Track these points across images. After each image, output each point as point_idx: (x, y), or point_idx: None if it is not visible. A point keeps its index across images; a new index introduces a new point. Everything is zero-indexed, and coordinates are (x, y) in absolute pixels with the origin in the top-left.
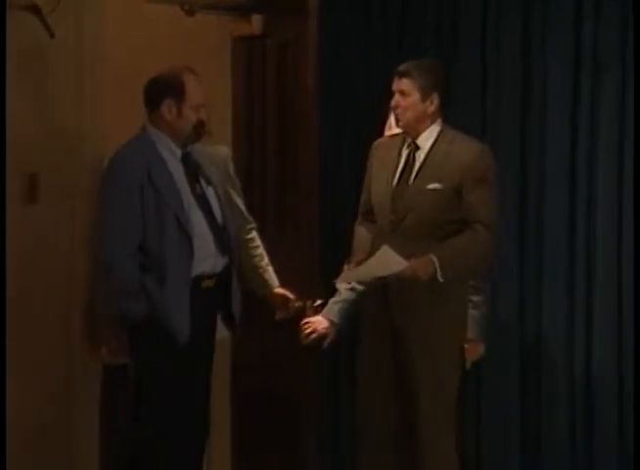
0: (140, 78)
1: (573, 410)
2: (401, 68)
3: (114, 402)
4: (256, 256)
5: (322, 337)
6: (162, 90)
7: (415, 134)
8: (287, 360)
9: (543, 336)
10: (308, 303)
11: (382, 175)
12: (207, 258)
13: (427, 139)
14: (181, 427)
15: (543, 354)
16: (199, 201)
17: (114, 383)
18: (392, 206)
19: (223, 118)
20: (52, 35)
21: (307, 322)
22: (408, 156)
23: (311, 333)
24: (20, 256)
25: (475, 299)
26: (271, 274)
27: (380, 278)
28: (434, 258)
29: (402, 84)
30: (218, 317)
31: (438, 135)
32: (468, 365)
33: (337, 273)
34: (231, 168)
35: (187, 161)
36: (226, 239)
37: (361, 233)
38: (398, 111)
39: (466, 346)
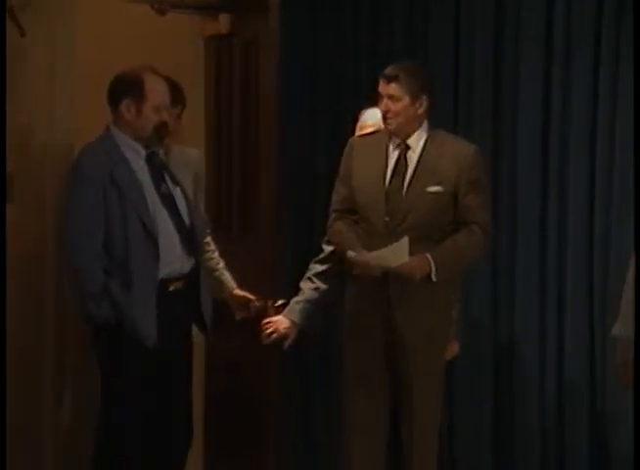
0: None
1: (545, 410)
2: (389, 71)
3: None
4: (213, 258)
5: (283, 337)
6: (122, 89)
7: (405, 135)
8: (251, 362)
9: (516, 337)
10: (269, 302)
11: (369, 175)
12: (175, 261)
13: (418, 140)
14: (159, 430)
15: (516, 354)
16: (164, 201)
17: None
18: (387, 207)
19: (197, 119)
20: (23, 34)
21: (268, 322)
22: (399, 156)
23: (272, 333)
24: None
25: (453, 299)
26: (228, 277)
27: (384, 269)
28: (430, 258)
29: (391, 89)
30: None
31: (428, 136)
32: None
33: (300, 273)
34: (202, 171)
35: (152, 160)
36: (193, 240)
37: (342, 227)
38: (389, 115)
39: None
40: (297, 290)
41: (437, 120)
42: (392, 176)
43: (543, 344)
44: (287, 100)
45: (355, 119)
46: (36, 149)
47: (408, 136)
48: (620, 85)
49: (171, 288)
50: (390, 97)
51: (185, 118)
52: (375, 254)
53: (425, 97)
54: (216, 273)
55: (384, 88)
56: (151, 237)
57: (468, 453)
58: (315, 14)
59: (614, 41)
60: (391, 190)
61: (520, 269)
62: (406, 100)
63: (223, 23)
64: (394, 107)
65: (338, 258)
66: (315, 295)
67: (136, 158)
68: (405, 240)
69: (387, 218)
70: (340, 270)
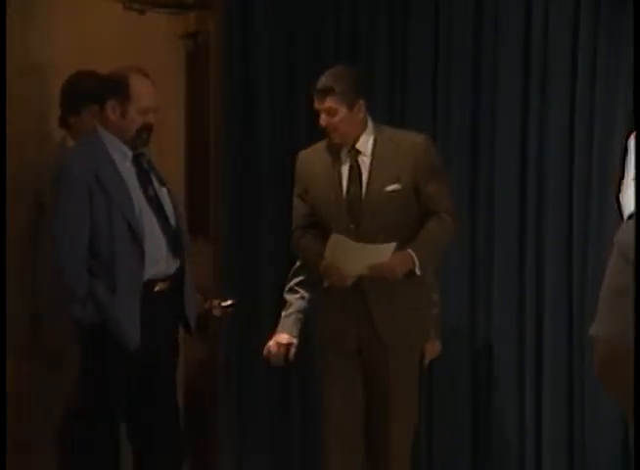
0: None
1: (523, 410)
2: (320, 86)
3: None
4: None
5: (286, 352)
6: (108, 90)
7: (352, 141)
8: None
9: (494, 337)
10: (215, 302)
11: (325, 187)
12: (159, 261)
13: (366, 142)
14: (145, 435)
15: (494, 354)
16: (151, 202)
17: None
18: (350, 215)
19: (178, 120)
20: None
21: (269, 345)
22: (351, 163)
23: (276, 353)
24: None
25: (434, 296)
26: None
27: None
28: (412, 253)
29: (327, 103)
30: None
31: (376, 136)
32: (426, 362)
33: (248, 274)
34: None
35: (139, 162)
36: (178, 241)
37: (306, 243)
38: (330, 129)
39: (428, 342)
40: (248, 293)
41: (416, 121)
42: (349, 184)
43: (521, 344)
44: (233, 101)
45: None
46: (9, 150)
47: (356, 141)
48: (598, 80)
49: (156, 288)
50: (327, 111)
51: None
52: (361, 244)
53: (362, 100)
54: None
55: (319, 104)
56: (136, 238)
57: (446, 454)
58: (294, 11)
59: (591, 40)
60: (350, 198)
61: (497, 269)
62: (343, 110)
63: (191, 21)
64: (333, 120)
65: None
66: (303, 303)
67: (122, 159)
68: (391, 245)
69: (352, 226)
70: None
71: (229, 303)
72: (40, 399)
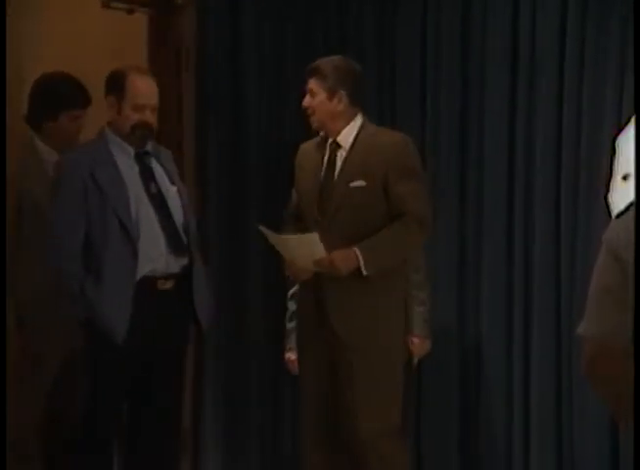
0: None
1: (511, 410)
2: (309, 66)
3: None
4: None
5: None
6: (107, 87)
7: (335, 133)
8: None
9: (482, 335)
10: None
11: (306, 177)
12: (157, 259)
13: (347, 136)
14: (143, 435)
15: (483, 353)
16: (153, 200)
17: None
18: (318, 208)
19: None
20: None
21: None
22: (330, 155)
23: (294, 369)
24: None
25: (421, 295)
26: None
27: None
28: (358, 251)
29: (310, 83)
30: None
31: (359, 132)
32: (415, 361)
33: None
34: None
35: (142, 159)
36: (183, 240)
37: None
38: (309, 111)
39: (415, 341)
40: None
41: (405, 118)
42: (324, 177)
43: (510, 342)
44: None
45: None
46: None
47: (338, 133)
48: (585, 81)
49: (160, 287)
50: (310, 92)
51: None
52: (284, 237)
53: (343, 92)
54: None
55: (306, 84)
56: (128, 235)
57: (435, 453)
58: (282, 9)
59: (578, 46)
60: (322, 189)
61: (486, 268)
62: (322, 95)
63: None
64: (312, 102)
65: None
66: None
67: (124, 157)
68: (315, 236)
69: (319, 219)
70: None
71: None
72: (22, 400)
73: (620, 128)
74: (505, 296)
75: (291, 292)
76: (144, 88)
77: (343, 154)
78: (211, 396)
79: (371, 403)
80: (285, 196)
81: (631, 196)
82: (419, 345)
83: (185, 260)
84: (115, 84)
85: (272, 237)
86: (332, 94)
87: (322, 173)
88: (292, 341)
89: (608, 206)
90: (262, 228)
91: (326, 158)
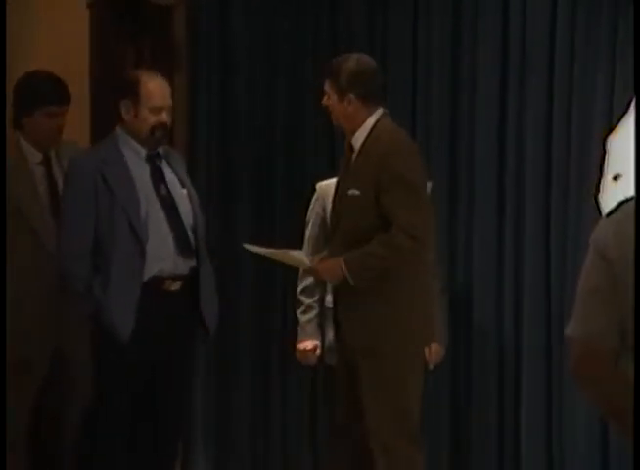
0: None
1: (503, 409)
2: (324, 66)
3: None
4: None
5: (314, 353)
6: (121, 90)
7: (351, 133)
8: None
9: (474, 335)
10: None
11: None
12: (165, 259)
13: (358, 139)
14: (147, 436)
15: (473, 353)
16: (163, 202)
17: None
18: (331, 215)
19: None
20: None
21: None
22: (346, 159)
23: (306, 360)
24: None
25: (441, 301)
26: None
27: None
28: (342, 262)
29: (325, 83)
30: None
31: (368, 134)
32: (430, 367)
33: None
34: None
35: (153, 161)
36: (192, 242)
37: None
38: (328, 110)
39: (432, 348)
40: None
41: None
42: (339, 182)
43: (501, 343)
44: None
45: None
46: None
47: (353, 134)
48: (575, 80)
49: (167, 287)
50: (325, 92)
51: None
52: (270, 251)
53: (352, 95)
54: None
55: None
56: (136, 235)
57: (427, 453)
58: (274, 9)
59: (568, 42)
60: (334, 196)
61: (476, 270)
62: (334, 97)
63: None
64: (328, 102)
65: None
66: (320, 307)
67: (135, 157)
68: (298, 252)
69: (331, 228)
70: None
71: None
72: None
73: (611, 129)
74: (495, 297)
75: (302, 286)
76: (159, 90)
77: (354, 158)
78: (202, 395)
79: (377, 404)
80: (275, 195)
81: (621, 196)
82: (435, 352)
83: (193, 263)
84: (130, 88)
85: (260, 250)
86: (341, 96)
87: (338, 181)
88: (307, 332)
89: (598, 206)
90: (248, 246)
91: (346, 162)
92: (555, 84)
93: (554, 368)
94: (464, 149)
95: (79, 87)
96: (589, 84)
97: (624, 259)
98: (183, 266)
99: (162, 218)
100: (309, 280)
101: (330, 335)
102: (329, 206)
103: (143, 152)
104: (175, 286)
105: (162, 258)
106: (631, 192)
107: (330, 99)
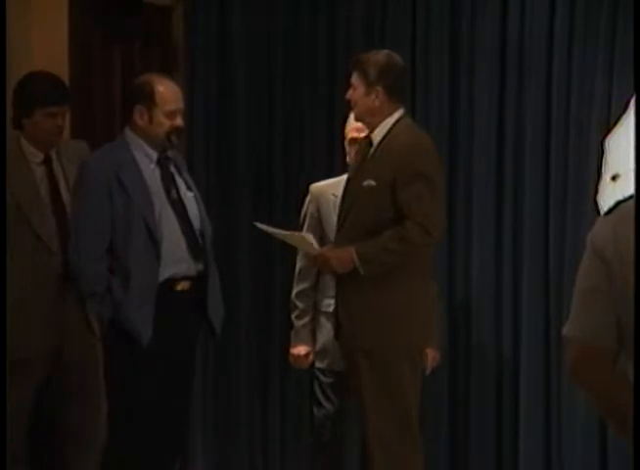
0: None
1: (501, 410)
2: (352, 59)
3: None
4: None
5: (307, 359)
6: (134, 96)
7: (371, 129)
8: None
9: (472, 342)
10: None
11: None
12: (179, 262)
13: (378, 135)
14: (154, 436)
15: (472, 356)
16: (174, 205)
17: None
18: (340, 206)
19: None
20: None
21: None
22: (363, 152)
23: (298, 365)
24: None
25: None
26: None
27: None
28: (353, 251)
29: (352, 77)
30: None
31: (389, 130)
32: (427, 371)
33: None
34: None
35: (164, 164)
36: (200, 244)
37: None
38: (352, 104)
39: (429, 352)
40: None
41: None
42: (354, 174)
43: (499, 345)
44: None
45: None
46: None
47: (373, 129)
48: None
49: (178, 288)
50: (352, 85)
51: None
52: (278, 232)
53: (380, 89)
54: None
55: (351, 77)
56: (153, 238)
57: (426, 454)
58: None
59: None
60: (346, 187)
61: (475, 269)
62: (361, 89)
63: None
64: (353, 95)
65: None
66: (314, 311)
67: (147, 161)
68: (307, 235)
69: (339, 219)
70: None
71: None
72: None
73: (609, 129)
74: (494, 299)
75: (297, 290)
76: (171, 94)
77: (371, 152)
78: (203, 395)
79: (377, 404)
80: (274, 196)
81: (620, 196)
82: (431, 357)
83: (201, 265)
84: (143, 93)
85: (271, 231)
86: (370, 89)
87: (353, 173)
88: (301, 338)
89: (597, 206)
90: (260, 225)
91: (362, 156)
92: (553, 84)
93: (553, 368)
94: (462, 149)
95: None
96: (588, 84)
97: (622, 259)
98: (193, 269)
99: (175, 221)
100: (304, 284)
101: (322, 339)
102: (324, 207)
103: (154, 155)
104: (185, 286)
105: (176, 260)
106: (630, 192)
107: (356, 92)
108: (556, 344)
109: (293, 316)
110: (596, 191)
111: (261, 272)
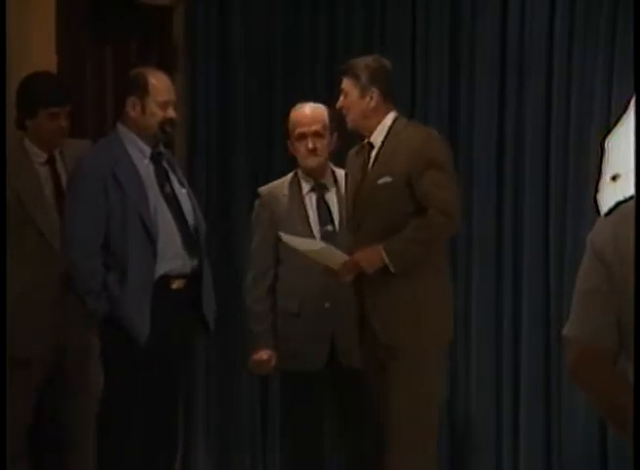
0: None
1: (500, 413)
2: (341, 66)
3: None
4: None
5: (269, 364)
6: (127, 88)
7: (368, 132)
8: None
9: (472, 337)
10: None
11: (350, 182)
12: (175, 258)
13: (379, 135)
14: (147, 434)
15: (472, 357)
16: (168, 201)
17: None
18: (354, 211)
19: None
20: None
21: (251, 366)
22: (365, 156)
23: (261, 370)
24: None
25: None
26: None
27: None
28: (382, 249)
29: (343, 83)
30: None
31: (390, 129)
32: None
33: None
34: None
35: (157, 160)
36: (195, 241)
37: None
38: (343, 111)
39: None
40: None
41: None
42: (360, 178)
43: (499, 344)
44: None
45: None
46: None
47: (371, 132)
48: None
49: (173, 286)
50: (343, 92)
51: None
52: (303, 250)
53: (375, 90)
54: None
55: (340, 85)
56: (149, 235)
57: None
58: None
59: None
60: (357, 191)
61: (475, 268)
62: (355, 94)
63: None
64: (345, 102)
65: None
66: (272, 315)
67: (140, 156)
68: (329, 247)
69: (355, 223)
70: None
71: None
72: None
73: (609, 129)
74: (494, 298)
75: (254, 295)
76: (164, 85)
77: (375, 153)
78: (203, 395)
79: (409, 406)
80: None
81: (620, 196)
82: None
83: (195, 262)
84: (137, 84)
85: (296, 243)
86: (364, 92)
87: (359, 174)
88: (263, 342)
89: (597, 206)
90: (284, 236)
91: (361, 160)
92: (553, 84)
93: (553, 369)
94: (462, 148)
95: None
96: (588, 84)
97: (622, 260)
98: (188, 265)
99: (170, 217)
100: (261, 289)
101: (293, 341)
102: (279, 208)
103: (148, 151)
104: (180, 284)
105: (172, 256)
106: (630, 192)
107: (348, 98)
108: (556, 344)
109: (251, 322)
110: (596, 191)
111: None
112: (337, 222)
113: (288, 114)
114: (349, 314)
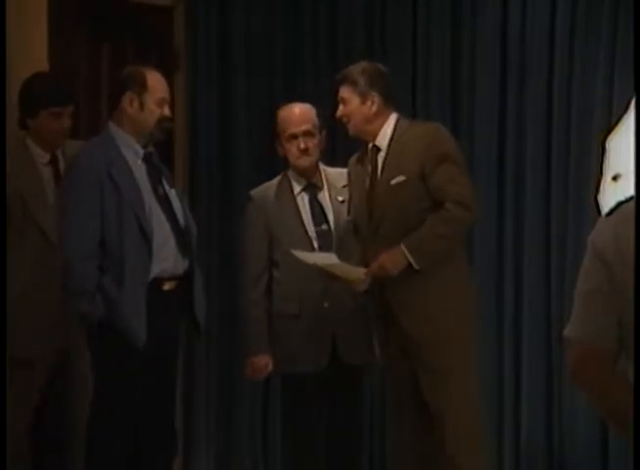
0: None
1: (503, 417)
2: (338, 76)
3: None
4: None
5: (266, 369)
6: (123, 84)
7: (373, 136)
8: None
9: None
10: None
11: (355, 188)
12: (167, 259)
13: (383, 138)
14: (144, 434)
15: None
16: (161, 202)
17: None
18: (368, 212)
19: None
20: None
21: (250, 371)
22: (372, 160)
23: (258, 376)
24: None
25: None
26: None
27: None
28: (403, 247)
29: (341, 92)
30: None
31: (394, 131)
32: None
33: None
34: None
35: (150, 160)
36: (187, 242)
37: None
38: (344, 120)
39: None
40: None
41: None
42: (369, 183)
43: (500, 345)
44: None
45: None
46: None
47: (376, 136)
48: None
49: (165, 287)
50: (342, 100)
51: None
52: (323, 264)
53: (375, 93)
54: None
55: (337, 94)
56: (145, 236)
57: None
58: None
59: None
60: (369, 196)
61: (477, 268)
62: (355, 100)
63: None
64: (345, 110)
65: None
66: (266, 317)
67: (134, 157)
68: (343, 264)
69: (369, 223)
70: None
71: None
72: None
73: (610, 129)
74: (495, 299)
75: (251, 299)
76: (160, 83)
77: (383, 155)
78: (202, 395)
79: (453, 402)
80: None
81: (621, 196)
82: None
83: (187, 263)
84: (134, 81)
85: (310, 258)
86: (364, 98)
87: (368, 181)
88: (261, 346)
89: (598, 206)
90: (296, 253)
91: (368, 164)
92: (554, 83)
93: (554, 369)
94: (463, 148)
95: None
96: (589, 84)
97: (623, 260)
98: (180, 266)
99: (163, 219)
100: (257, 292)
101: (292, 343)
102: (274, 210)
103: (141, 151)
104: (172, 286)
105: (165, 257)
106: (631, 192)
107: (348, 106)
108: (557, 345)
109: (247, 326)
110: (597, 191)
111: None
112: (331, 222)
113: None
114: (349, 314)
